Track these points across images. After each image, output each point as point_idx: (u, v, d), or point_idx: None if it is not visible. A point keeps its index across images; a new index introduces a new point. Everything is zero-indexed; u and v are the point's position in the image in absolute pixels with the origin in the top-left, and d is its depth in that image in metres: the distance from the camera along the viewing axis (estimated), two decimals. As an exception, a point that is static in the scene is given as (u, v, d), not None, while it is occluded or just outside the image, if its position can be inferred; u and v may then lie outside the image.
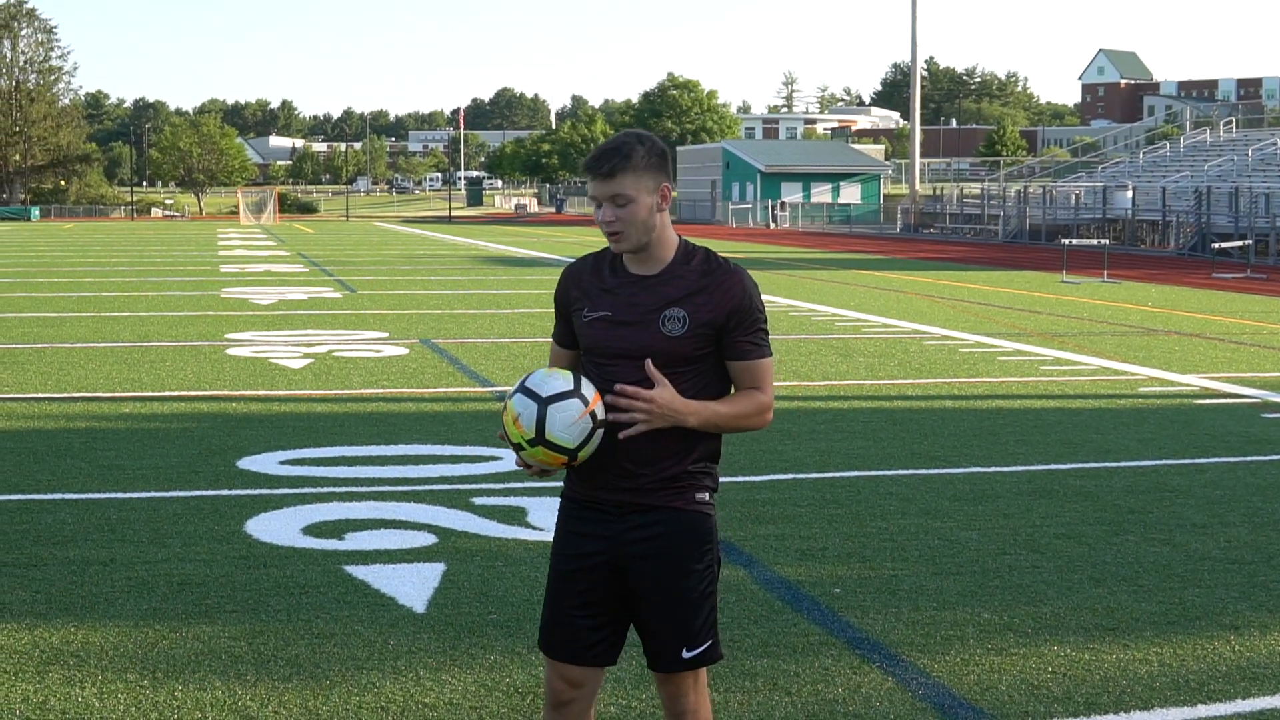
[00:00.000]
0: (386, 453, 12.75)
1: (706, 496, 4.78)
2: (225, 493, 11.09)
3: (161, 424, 14.33)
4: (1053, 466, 12.34)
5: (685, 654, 4.79)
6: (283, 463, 12.22)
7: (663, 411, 4.61)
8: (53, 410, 15.09)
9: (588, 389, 4.62)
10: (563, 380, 4.62)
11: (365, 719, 6.53)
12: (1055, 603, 8.40)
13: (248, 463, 12.21)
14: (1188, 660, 7.40)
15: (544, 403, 4.58)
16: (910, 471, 12.08)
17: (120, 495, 10.96)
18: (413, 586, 8.58)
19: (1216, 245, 48.61)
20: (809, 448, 13.06)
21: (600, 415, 4.60)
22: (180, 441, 13.26)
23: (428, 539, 9.67)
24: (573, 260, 4.87)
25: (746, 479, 11.56)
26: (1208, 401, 16.10)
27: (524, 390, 4.63)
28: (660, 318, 4.67)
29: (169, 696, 6.78)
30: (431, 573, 8.87)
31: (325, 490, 11.16)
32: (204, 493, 11.09)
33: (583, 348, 4.85)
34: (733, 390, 4.80)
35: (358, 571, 8.88)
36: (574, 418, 4.57)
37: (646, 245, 4.70)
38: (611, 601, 4.81)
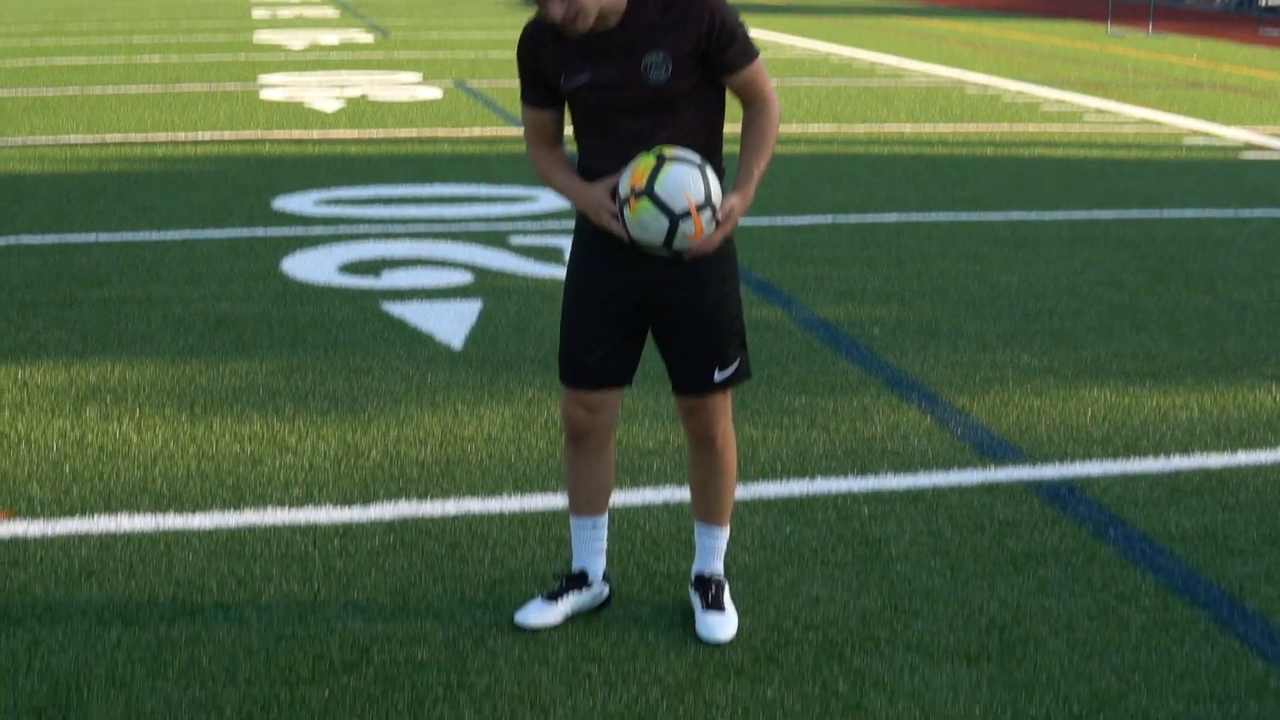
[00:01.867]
0: (423, 193, 12.66)
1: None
2: (260, 232, 11.04)
3: (195, 166, 14.24)
4: (1095, 214, 12.20)
5: (717, 376, 4.80)
6: (318, 202, 12.14)
7: (740, 217, 4.63)
8: (85, 154, 15.00)
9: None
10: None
11: (404, 452, 6.54)
12: (1096, 348, 8.35)
13: (283, 202, 12.13)
14: (1228, 408, 7.36)
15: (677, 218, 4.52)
16: (951, 216, 11.97)
17: (155, 235, 10.91)
18: (450, 323, 8.56)
19: (1264, 1, 47.68)
20: (849, 191, 12.94)
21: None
22: (214, 182, 13.19)
23: (465, 277, 9.63)
24: (529, 24, 4.69)
25: (785, 220, 11.47)
26: (1253, 155, 15.87)
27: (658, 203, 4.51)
28: (641, 69, 4.55)
29: (207, 430, 6.79)
30: (469, 310, 8.84)
31: (361, 230, 11.10)
32: (239, 232, 11.04)
33: (575, 112, 4.73)
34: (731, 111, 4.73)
35: (395, 309, 8.85)
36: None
37: (601, 7, 4.53)
38: (630, 326, 4.79)
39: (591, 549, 5.08)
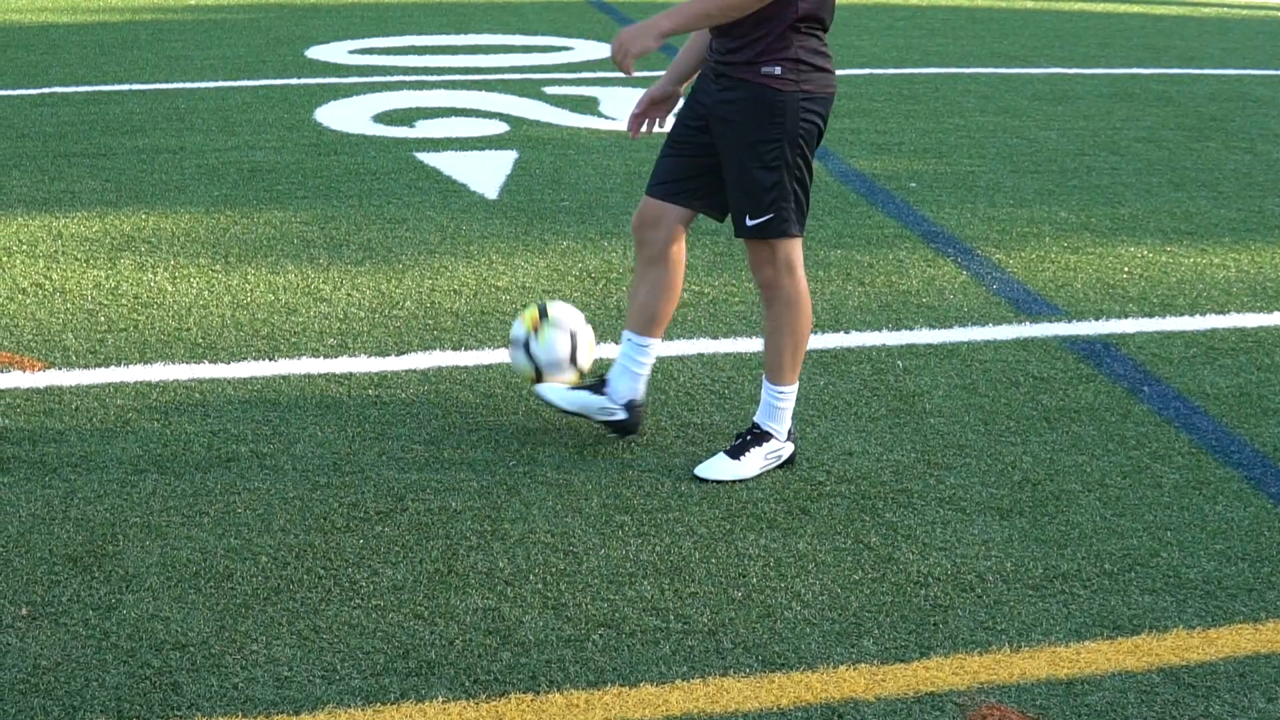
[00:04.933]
0: (457, 42, 12.57)
1: (777, 71, 4.82)
2: (294, 81, 10.98)
3: (228, 15, 14.14)
4: (1134, 70, 12.08)
5: (748, 222, 4.90)
6: (352, 52, 12.07)
7: (627, 41, 4.68)
8: (118, 3, 14.89)
9: (581, 350, 5.33)
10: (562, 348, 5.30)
11: (438, 301, 6.53)
12: (1133, 204, 8.29)
13: (316, 52, 12.06)
14: (1265, 268, 7.31)
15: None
16: (989, 70, 11.85)
17: (188, 85, 10.86)
18: (485, 173, 8.52)
19: None
20: (886, 43, 12.82)
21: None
22: (247, 32, 13.11)
23: (500, 127, 9.58)
24: None
25: (822, 75, 11.38)
26: (1295, 10, 15.69)
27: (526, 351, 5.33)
28: None
29: (241, 280, 6.78)
30: (503, 160, 8.80)
31: (395, 79, 11.03)
32: (272, 81, 10.98)
33: None
34: None
35: (429, 159, 8.81)
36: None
37: None
38: (698, 152, 4.97)
39: (624, 362, 5.17)
